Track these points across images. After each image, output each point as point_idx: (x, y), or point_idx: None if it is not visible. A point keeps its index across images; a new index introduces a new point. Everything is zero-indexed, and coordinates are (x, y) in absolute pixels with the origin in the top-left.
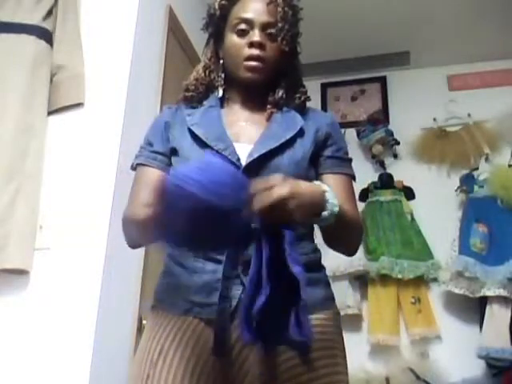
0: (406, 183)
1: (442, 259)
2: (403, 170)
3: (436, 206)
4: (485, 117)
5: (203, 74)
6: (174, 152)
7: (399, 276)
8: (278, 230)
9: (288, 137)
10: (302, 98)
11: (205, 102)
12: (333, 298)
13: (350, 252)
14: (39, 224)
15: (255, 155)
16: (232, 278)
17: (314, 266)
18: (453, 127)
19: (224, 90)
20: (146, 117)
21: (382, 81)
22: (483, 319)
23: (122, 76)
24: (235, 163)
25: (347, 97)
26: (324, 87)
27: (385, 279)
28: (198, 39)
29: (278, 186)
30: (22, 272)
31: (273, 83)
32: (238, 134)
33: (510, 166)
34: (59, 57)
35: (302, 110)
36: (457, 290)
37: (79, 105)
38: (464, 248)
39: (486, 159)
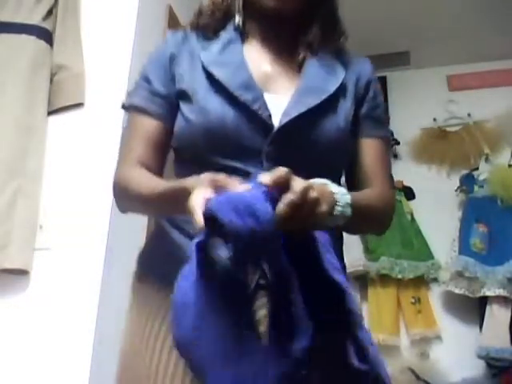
0: (406, 183)
1: (442, 259)
2: (403, 170)
3: (436, 206)
4: (485, 117)
5: None
6: (183, 95)
7: (399, 276)
8: (305, 236)
9: (331, 91)
10: (341, 39)
11: (222, 34)
12: None
13: (380, 232)
14: (39, 224)
15: (293, 114)
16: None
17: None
18: (453, 127)
19: (243, 20)
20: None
21: (382, 81)
22: (483, 319)
23: (122, 76)
24: (266, 122)
25: None
26: None
27: (385, 279)
28: None
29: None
30: (22, 272)
31: (303, 18)
32: (266, 81)
33: (510, 165)
34: (59, 57)
35: (340, 54)
36: (457, 290)
37: (79, 105)
38: (464, 248)
39: (486, 159)
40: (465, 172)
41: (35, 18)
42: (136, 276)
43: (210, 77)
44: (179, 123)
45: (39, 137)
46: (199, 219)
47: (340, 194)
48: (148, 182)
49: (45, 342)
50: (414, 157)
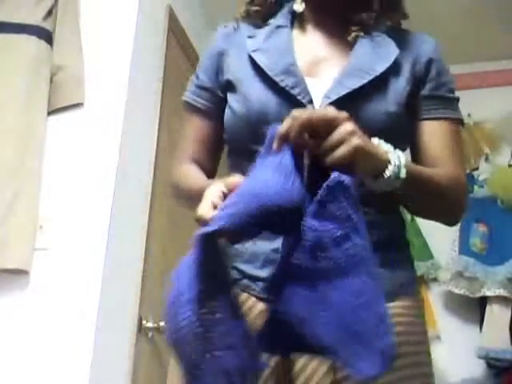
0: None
1: (442, 259)
2: None
3: None
4: (485, 117)
5: None
6: (229, 86)
7: None
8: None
9: (378, 72)
10: (399, 17)
11: (271, 21)
12: (414, 282)
13: (451, 221)
14: (39, 224)
15: (333, 97)
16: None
17: (392, 243)
18: None
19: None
20: (145, 117)
21: None
22: (483, 319)
23: (122, 76)
24: (306, 106)
25: None
26: None
27: None
28: (198, 39)
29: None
30: (21, 272)
31: (359, 3)
32: (313, 66)
33: (510, 165)
34: (59, 57)
35: (397, 34)
36: (457, 290)
37: (79, 105)
38: (464, 248)
39: (486, 159)
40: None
41: (35, 18)
42: None
43: (253, 64)
44: (226, 115)
45: (39, 137)
46: (203, 208)
47: (392, 153)
48: (192, 179)
49: (44, 341)
50: None
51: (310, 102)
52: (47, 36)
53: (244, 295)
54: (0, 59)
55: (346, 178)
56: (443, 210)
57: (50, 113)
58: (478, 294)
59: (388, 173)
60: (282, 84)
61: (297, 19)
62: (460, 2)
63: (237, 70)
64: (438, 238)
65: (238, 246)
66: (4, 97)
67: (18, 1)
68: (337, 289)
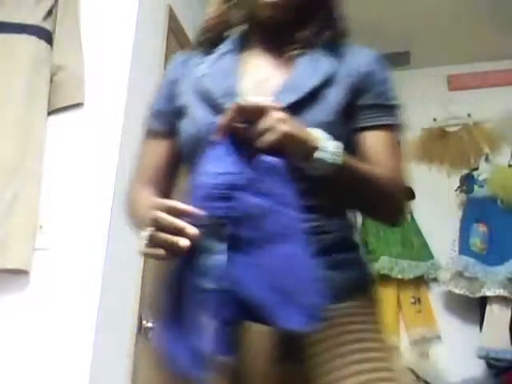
0: (406, 183)
1: (442, 259)
2: None
3: (436, 206)
4: (485, 117)
5: (220, 12)
6: (181, 112)
7: (399, 276)
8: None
9: (312, 86)
10: (338, 31)
11: (221, 46)
12: (367, 282)
13: (390, 220)
14: (39, 224)
15: None
16: None
17: (340, 245)
18: (453, 127)
19: (242, 31)
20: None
21: None
22: (483, 319)
23: (122, 76)
24: None
25: None
26: None
27: (385, 279)
28: None
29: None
30: (21, 272)
31: (302, 17)
32: (258, 85)
33: (510, 166)
34: (59, 57)
35: (337, 49)
36: (457, 290)
37: (79, 105)
38: (464, 248)
39: (486, 159)
40: (465, 172)
41: (35, 18)
42: None
43: (200, 88)
44: (180, 137)
45: (39, 137)
46: (167, 202)
47: (324, 140)
48: (138, 201)
49: (45, 342)
50: (414, 157)
51: None
52: (47, 36)
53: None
54: (0, 59)
55: (273, 160)
56: (381, 208)
57: (50, 113)
58: (478, 294)
59: (316, 155)
60: (224, 106)
61: (244, 44)
62: (460, 2)
63: (187, 95)
64: (438, 238)
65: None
66: (4, 97)
67: (18, 1)
68: (267, 254)
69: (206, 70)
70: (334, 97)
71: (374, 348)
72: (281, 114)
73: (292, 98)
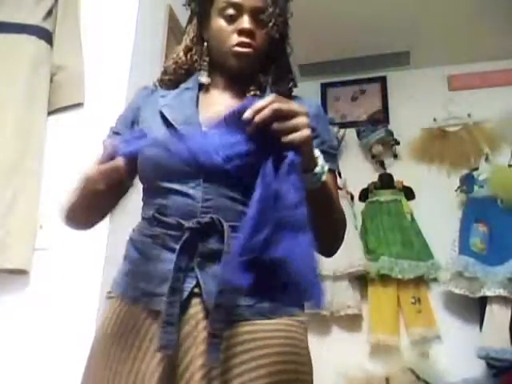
0: (406, 183)
1: (442, 259)
2: (403, 170)
3: (436, 206)
4: (485, 117)
5: (184, 58)
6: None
7: (399, 276)
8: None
9: None
10: (289, 85)
11: (182, 85)
12: (297, 303)
13: (331, 248)
14: (39, 224)
15: None
16: (186, 271)
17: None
18: (453, 127)
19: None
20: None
21: (382, 81)
22: (483, 319)
23: (122, 76)
24: None
25: (347, 97)
26: (324, 87)
27: (385, 279)
28: None
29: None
30: (21, 272)
31: (259, 69)
32: (212, 119)
33: (510, 165)
34: (59, 57)
35: (290, 99)
36: (457, 290)
37: (79, 105)
38: (464, 248)
39: (486, 159)
40: (465, 172)
41: (35, 18)
42: (106, 295)
43: (162, 117)
44: (139, 159)
45: (39, 137)
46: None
47: (321, 157)
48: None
49: (45, 342)
50: (414, 157)
51: None
52: (47, 36)
53: (143, 313)
54: (0, 59)
55: (296, 159)
56: (331, 235)
57: (50, 113)
58: (478, 294)
59: (316, 170)
60: (182, 131)
61: (206, 86)
62: (460, 2)
63: (148, 122)
64: (438, 238)
65: (141, 267)
66: (4, 97)
67: (18, 1)
68: (302, 241)
69: (168, 101)
70: None
71: (292, 361)
72: (308, 120)
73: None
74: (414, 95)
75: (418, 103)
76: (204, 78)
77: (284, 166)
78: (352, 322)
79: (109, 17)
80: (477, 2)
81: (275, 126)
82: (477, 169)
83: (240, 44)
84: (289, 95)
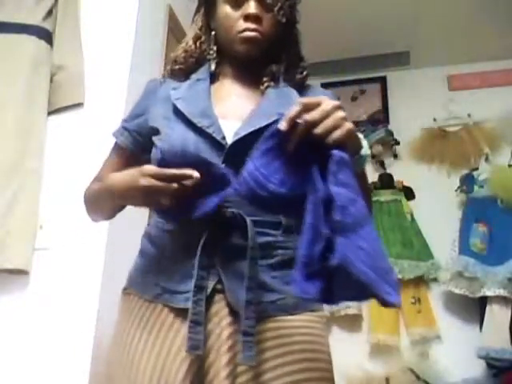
0: (406, 183)
1: (442, 259)
2: (403, 170)
3: (436, 206)
4: (485, 117)
5: (193, 46)
6: (155, 132)
7: (399, 276)
8: (326, 151)
9: (282, 113)
10: (303, 74)
11: (193, 76)
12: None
13: None
14: (39, 224)
15: (242, 133)
16: (208, 267)
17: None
18: (453, 127)
19: (216, 64)
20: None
21: (382, 81)
22: (483, 319)
23: (122, 76)
24: (220, 142)
25: (347, 97)
26: (324, 87)
27: None
28: None
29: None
30: (21, 272)
31: (270, 57)
32: (226, 110)
33: (510, 165)
34: (59, 57)
35: (301, 87)
36: (457, 290)
37: (79, 105)
38: (464, 248)
39: (486, 159)
40: (465, 172)
41: (35, 18)
42: (122, 291)
43: (175, 110)
44: (152, 153)
45: (39, 137)
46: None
47: (363, 139)
48: (97, 184)
49: (45, 342)
50: (414, 157)
51: (223, 138)
52: (47, 36)
53: (165, 309)
54: (0, 59)
55: (344, 155)
56: None
57: (50, 113)
58: (478, 294)
59: (362, 152)
60: (199, 124)
61: (216, 76)
62: (460, 2)
63: (161, 116)
64: (438, 238)
65: (159, 263)
66: (4, 97)
67: (18, 1)
68: (362, 237)
69: (181, 94)
70: None
71: (317, 358)
72: (344, 113)
73: (263, 122)
74: (414, 95)
75: (418, 103)
76: (212, 67)
77: (332, 166)
78: (352, 322)
79: (109, 17)
80: (477, 2)
81: (318, 131)
82: (477, 169)
83: (246, 29)
84: (302, 84)
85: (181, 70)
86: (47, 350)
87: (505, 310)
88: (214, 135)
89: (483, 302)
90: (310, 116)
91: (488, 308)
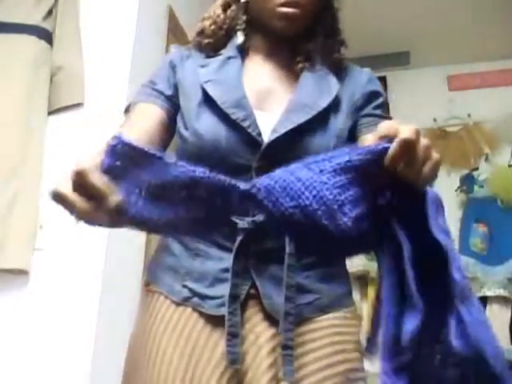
0: None
1: None
2: None
3: None
4: (485, 117)
5: (223, 16)
6: (181, 108)
7: None
8: (416, 192)
9: (322, 107)
10: (341, 52)
11: (222, 51)
12: (350, 294)
13: None
14: (39, 224)
15: (280, 131)
16: (242, 273)
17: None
18: (453, 127)
19: (245, 36)
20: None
21: (382, 81)
22: None
23: (122, 76)
24: (256, 139)
25: None
26: None
27: None
28: None
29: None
30: (21, 272)
31: (306, 33)
32: (260, 98)
33: (510, 166)
34: (59, 57)
35: (339, 68)
36: None
37: (79, 105)
38: (464, 248)
39: (486, 159)
40: (465, 172)
41: (35, 18)
42: (145, 284)
43: (205, 94)
44: (178, 144)
45: (39, 137)
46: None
47: None
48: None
49: (45, 341)
50: None
51: (259, 135)
52: (47, 36)
53: (194, 314)
54: (0, 59)
55: (436, 193)
56: None
57: (50, 113)
58: (478, 294)
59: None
60: (234, 117)
61: (247, 51)
62: (460, 2)
63: (189, 96)
64: None
65: (186, 262)
66: (4, 97)
67: (18, 1)
68: (476, 307)
69: (211, 75)
70: (339, 119)
71: (353, 359)
72: (428, 141)
73: (302, 118)
74: (414, 95)
75: (417, 103)
76: (240, 38)
77: (430, 209)
78: None
79: (109, 17)
80: (477, 3)
81: (409, 169)
82: (477, 169)
83: (286, 4)
84: (340, 64)
85: (209, 44)
86: (47, 350)
87: (505, 310)
88: (250, 130)
89: (483, 302)
90: (411, 159)
91: (488, 308)
